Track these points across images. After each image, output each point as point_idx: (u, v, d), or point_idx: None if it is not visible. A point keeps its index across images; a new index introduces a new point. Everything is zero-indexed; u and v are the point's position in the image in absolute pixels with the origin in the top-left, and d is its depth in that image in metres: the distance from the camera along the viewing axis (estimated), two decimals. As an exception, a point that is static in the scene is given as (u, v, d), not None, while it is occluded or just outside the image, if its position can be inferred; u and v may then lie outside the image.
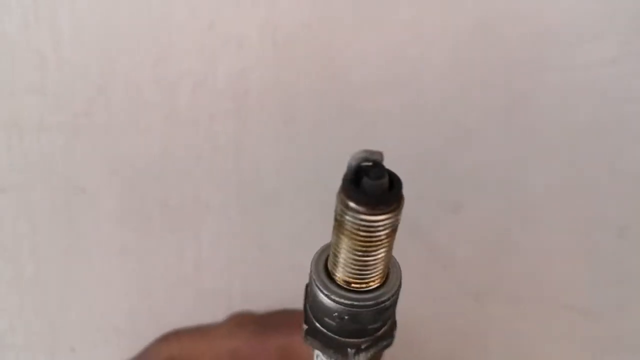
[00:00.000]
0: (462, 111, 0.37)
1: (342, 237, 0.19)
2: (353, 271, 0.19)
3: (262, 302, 0.38)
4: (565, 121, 0.37)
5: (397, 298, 0.21)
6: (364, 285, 0.20)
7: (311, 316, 0.21)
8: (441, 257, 0.39)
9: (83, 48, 0.36)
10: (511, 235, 0.39)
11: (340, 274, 0.20)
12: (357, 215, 0.18)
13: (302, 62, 0.36)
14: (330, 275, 0.20)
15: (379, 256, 0.19)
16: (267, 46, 0.35)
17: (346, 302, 0.20)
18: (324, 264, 0.21)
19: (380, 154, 0.17)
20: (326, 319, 0.20)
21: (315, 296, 0.20)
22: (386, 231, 0.18)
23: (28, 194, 0.38)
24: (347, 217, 0.18)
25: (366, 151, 0.18)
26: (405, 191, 0.35)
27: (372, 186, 0.17)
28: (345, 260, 0.19)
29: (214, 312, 0.38)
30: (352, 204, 0.18)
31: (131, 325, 0.40)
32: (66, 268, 0.39)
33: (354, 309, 0.20)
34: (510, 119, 0.37)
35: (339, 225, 0.19)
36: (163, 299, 0.40)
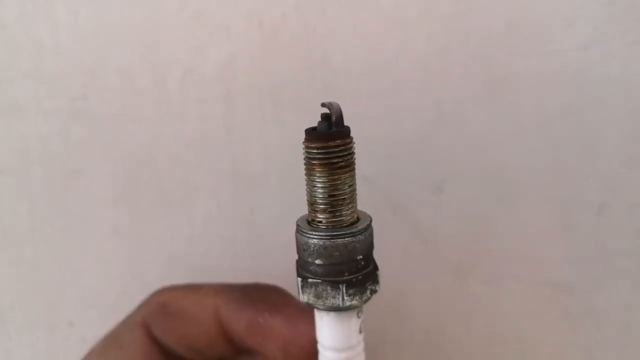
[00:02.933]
0: (441, 96, 0.37)
1: (310, 176, 0.24)
2: (323, 207, 0.23)
3: (251, 278, 0.39)
4: (541, 104, 0.37)
5: (369, 240, 0.24)
6: (335, 222, 0.23)
7: (300, 269, 0.24)
8: (424, 234, 0.39)
9: (78, 36, 0.37)
10: (491, 214, 0.39)
11: (315, 215, 0.24)
12: (311, 148, 0.23)
13: (287, 48, 0.36)
14: (309, 222, 0.24)
15: (341, 188, 0.23)
16: (253, 34, 0.36)
17: (322, 235, 0.23)
18: (305, 218, 0.25)
19: (336, 104, 0.23)
20: (313, 265, 0.23)
21: (300, 243, 0.23)
22: (339, 160, 0.23)
23: (26, 176, 0.39)
24: (309, 154, 0.23)
25: (325, 103, 0.23)
26: (390, 173, 0.36)
27: (321, 127, 0.23)
28: (315, 198, 0.23)
29: None
30: (308, 143, 0.23)
31: (126, 302, 0.39)
32: (63, 247, 0.40)
33: (331, 241, 0.23)
34: (488, 102, 0.37)
35: (306, 166, 0.24)
36: (156, 277, 0.40)
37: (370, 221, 0.24)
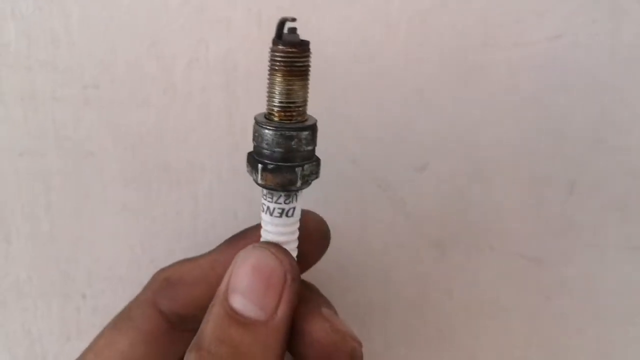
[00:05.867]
0: (422, 83, 0.38)
1: (271, 76, 0.28)
2: (279, 103, 0.28)
3: None
4: (513, 90, 0.39)
5: (314, 135, 0.28)
6: (289, 118, 0.28)
7: (257, 157, 0.29)
8: (408, 210, 0.41)
9: (90, 29, 0.38)
10: (468, 191, 0.41)
11: (272, 110, 0.28)
12: (276, 52, 0.27)
13: None
14: (266, 117, 0.29)
15: (294, 87, 0.28)
16: (252, 27, 0.38)
17: (278, 126, 0.28)
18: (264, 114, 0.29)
19: (293, 18, 0.27)
20: (271, 151, 0.28)
21: (258, 135, 0.28)
22: (295, 65, 0.27)
23: (43, 158, 0.40)
24: (272, 57, 0.28)
25: (285, 17, 0.27)
26: (376, 154, 0.39)
27: (286, 36, 0.27)
28: (274, 94, 0.28)
29: None
30: (274, 46, 0.27)
31: (134, 274, 0.42)
32: (77, 224, 0.41)
33: (285, 132, 0.27)
34: (464, 89, 0.39)
35: (269, 68, 0.28)
36: (163, 251, 0.42)
37: (315, 120, 0.29)
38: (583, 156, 0.40)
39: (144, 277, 0.40)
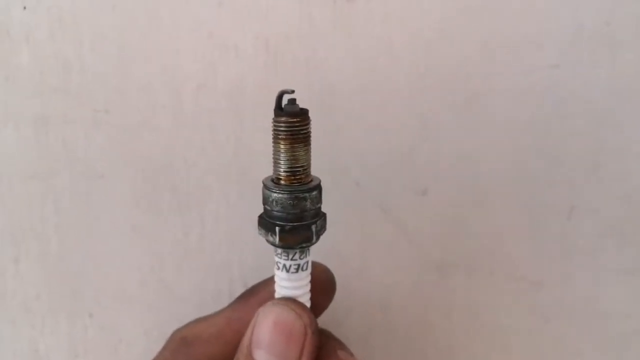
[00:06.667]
0: (425, 111, 0.39)
1: (276, 144, 0.29)
2: (288, 168, 0.30)
3: (256, 272, 0.41)
4: (512, 118, 0.39)
5: (321, 193, 0.30)
6: (298, 180, 0.29)
7: (271, 220, 0.30)
8: (409, 234, 0.41)
9: (101, 55, 0.38)
10: (468, 216, 0.41)
11: (279, 175, 0.30)
12: (279, 122, 0.29)
13: (290, 68, 0.38)
14: (273, 180, 0.30)
15: (299, 152, 0.29)
16: (260, 54, 0.38)
17: (290, 190, 0.29)
18: (271, 178, 0.31)
19: (292, 90, 0.29)
20: (286, 213, 0.29)
21: (270, 199, 0.29)
22: (300, 133, 0.29)
23: (53, 180, 0.40)
24: (276, 127, 0.29)
25: (283, 90, 0.29)
26: (379, 179, 0.39)
27: (287, 107, 0.29)
28: (280, 160, 0.29)
29: (216, 284, 0.41)
30: (276, 117, 0.29)
31: (143, 294, 0.42)
32: (86, 244, 0.41)
33: (299, 194, 0.29)
34: (465, 117, 0.39)
35: (273, 138, 0.29)
36: (171, 272, 0.42)
37: (319, 180, 0.31)
38: (581, 181, 0.40)
39: (151, 297, 0.42)
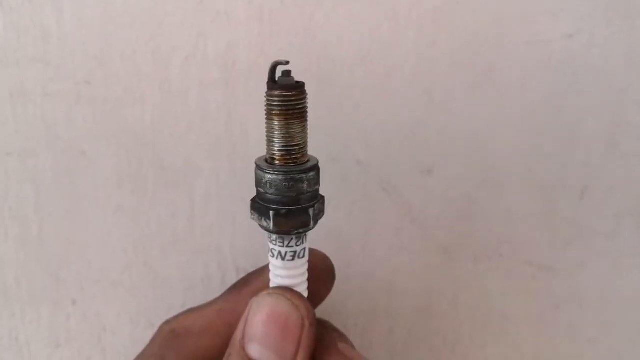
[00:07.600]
0: (431, 84, 0.38)
1: (269, 121, 0.28)
2: (282, 147, 0.28)
3: (248, 256, 0.40)
4: (525, 92, 0.38)
5: (319, 174, 0.28)
6: (294, 160, 0.28)
7: (265, 203, 0.28)
8: (414, 215, 0.40)
9: (83, 23, 0.37)
10: (476, 196, 0.40)
11: (273, 155, 0.28)
12: (273, 97, 0.27)
13: (285, 37, 0.37)
14: (267, 160, 0.28)
15: (295, 129, 0.28)
16: (253, 22, 0.37)
17: (285, 170, 0.27)
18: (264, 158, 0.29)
19: (287, 61, 0.27)
20: (282, 196, 0.28)
21: (263, 181, 0.28)
22: (295, 108, 0.27)
23: (32, 158, 0.39)
24: (269, 102, 0.27)
25: (277, 60, 0.27)
26: (383, 157, 0.38)
27: (281, 79, 0.27)
28: (274, 139, 0.27)
29: (205, 268, 0.40)
30: (269, 91, 0.27)
31: (127, 279, 0.41)
32: (67, 226, 0.40)
33: (295, 175, 0.27)
34: (475, 91, 0.38)
35: (267, 113, 0.28)
36: (157, 255, 0.41)
37: (317, 161, 0.29)
38: (595, 161, 0.40)
39: (137, 282, 0.41)
